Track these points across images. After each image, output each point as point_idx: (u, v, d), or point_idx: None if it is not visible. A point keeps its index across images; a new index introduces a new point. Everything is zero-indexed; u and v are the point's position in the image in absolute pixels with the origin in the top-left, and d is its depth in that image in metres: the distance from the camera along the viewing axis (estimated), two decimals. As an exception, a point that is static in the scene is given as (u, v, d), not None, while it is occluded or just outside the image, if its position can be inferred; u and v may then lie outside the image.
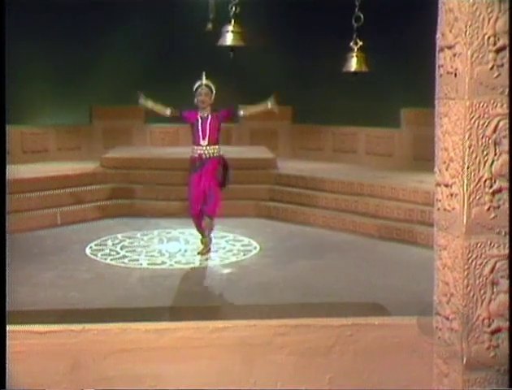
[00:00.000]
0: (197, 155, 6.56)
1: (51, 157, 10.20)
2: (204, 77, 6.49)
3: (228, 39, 6.28)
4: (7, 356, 3.42)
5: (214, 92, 6.54)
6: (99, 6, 9.69)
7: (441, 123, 3.26)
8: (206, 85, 6.51)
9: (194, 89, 6.53)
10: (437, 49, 3.28)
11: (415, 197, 7.67)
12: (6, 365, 3.26)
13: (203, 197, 6.56)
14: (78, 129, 10.89)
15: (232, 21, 6.19)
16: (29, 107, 10.35)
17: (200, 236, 6.87)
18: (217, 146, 6.58)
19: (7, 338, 3.44)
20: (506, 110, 3.06)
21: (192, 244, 7.11)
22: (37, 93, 10.29)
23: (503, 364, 3.19)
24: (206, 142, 6.50)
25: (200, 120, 6.51)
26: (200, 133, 6.51)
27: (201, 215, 6.67)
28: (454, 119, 3.15)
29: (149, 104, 6.75)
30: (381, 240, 7.49)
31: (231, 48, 6.32)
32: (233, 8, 6.12)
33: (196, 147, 6.55)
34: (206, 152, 6.52)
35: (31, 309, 4.93)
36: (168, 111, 6.67)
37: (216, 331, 3.66)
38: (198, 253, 6.69)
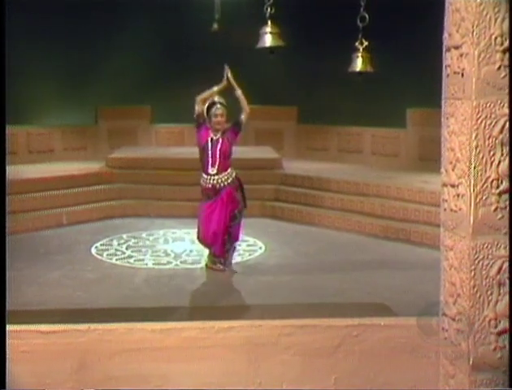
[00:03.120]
0: (210, 186, 5.94)
1: (57, 157, 10.23)
2: (216, 92, 5.85)
3: (267, 40, 6.19)
4: (13, 356, 3.43)
5: (226, 107, 5.90)
6: (105, 7, 9.71)
7: (448, 124, 3.25)
8: (221, 103, 5.86)
9: (206, 109, 5.84)
10: (444, 49, 3.27)
11: (421, 197, 7.66)
12: (9, 365, 3.26)
13: (219, 230, 5.99)
14: (84, 129, 10.91)
15: (269, 22, 6.11)
16: (35, 108, 10.38)
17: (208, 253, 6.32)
18: (229, 171, 5.96)
19: (14, 337, 3.45)
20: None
21: (197, 244, 7.10)
22: (43, 93, 10.32)
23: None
24: (214, 170, 5.89)
25: (210, 144, 5.89)
26: (209, 159, 5.89)
27: (216, 243, 6.09)
28: (461, 119, 3.14)
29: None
30: (387, 241, 7.47)
31: (270, 49, 6.22)
32: (268, 9, 6.03)
33: (206, 176, 5.94)
34: (220, 181, 5.92)
35: (37, 309, 4.94)
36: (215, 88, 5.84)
37: (222, 331, 3.66)
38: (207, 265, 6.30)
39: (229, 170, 5.99)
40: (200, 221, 6.11)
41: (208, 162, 5.92)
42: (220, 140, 5.91)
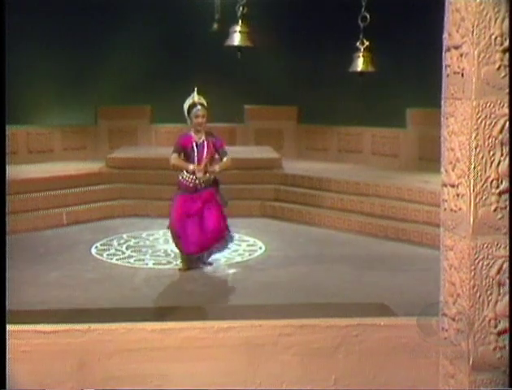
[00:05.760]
0: (191, 185, 6.07)
1: (57, 157, 10.23)
2: (196, 94, 6.00)
3: (236, 39, 6.25)
4: (13, 356, 3.43)
5: (207, 109, 6.03)
6: (105, 7, 9.72)
7: (448, 124, 3.26)
8: (201, 104, 5.99)
9: (187, 109, 6.01)
10: (444, 49, 3.27)
11: (421, 197, 7.66)
12: (9, 365, 3.26)
13: (219, 227, 6.15)
14: (84, 129, 10.92)
15: (240, 21, 6.16)
16: (35, 107, 10.39)
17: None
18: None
19: (14, 337, 3.45)
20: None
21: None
22: (43, 93, 10.33)
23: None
24: (200, 174, 6.01)
25: (196, 148, 6.03)
26: (195, 162, 6.03)
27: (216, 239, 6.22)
28: (461, 119, 3.14)
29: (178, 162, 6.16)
30: (387, 241, 7.48)
31: (238, 48, 6.29)
32: (241, 8, 6.09)
33: (189, 175, 6.06)
34: (202, 182, 6.06)
35: (37, 309, 4.94)
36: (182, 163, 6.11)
37: (221, 331, 3.66)
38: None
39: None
40: (175, 212, 6.18)
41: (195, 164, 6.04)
42: (205, 144, 6.06)
